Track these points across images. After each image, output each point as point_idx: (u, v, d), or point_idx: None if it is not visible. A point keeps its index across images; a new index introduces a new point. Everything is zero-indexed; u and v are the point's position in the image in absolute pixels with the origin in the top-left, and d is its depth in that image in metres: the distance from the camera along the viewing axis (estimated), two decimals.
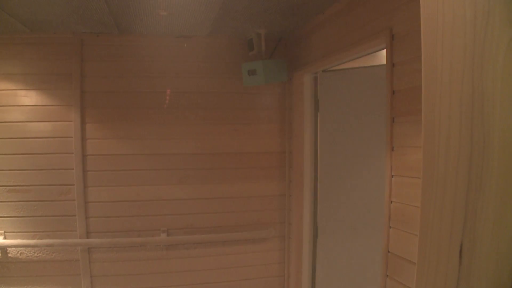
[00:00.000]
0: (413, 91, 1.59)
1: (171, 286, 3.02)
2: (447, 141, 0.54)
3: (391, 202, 1.74)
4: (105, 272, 2.93)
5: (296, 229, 3.00)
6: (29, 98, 2.79)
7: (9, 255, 2.82)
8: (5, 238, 2.79)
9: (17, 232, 2.81)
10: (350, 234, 2.31)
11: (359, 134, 2.20)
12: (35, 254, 2.85)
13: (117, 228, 2.91)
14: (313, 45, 2.66)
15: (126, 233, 2.92)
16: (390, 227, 1.75)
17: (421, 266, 0.59)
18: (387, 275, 1.77)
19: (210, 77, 2.92)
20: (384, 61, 1.80)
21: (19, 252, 2.83)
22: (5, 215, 2.81)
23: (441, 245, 0.56)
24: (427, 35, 0.62)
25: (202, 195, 3.00)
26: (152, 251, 2.97)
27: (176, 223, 2.97)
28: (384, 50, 1.80)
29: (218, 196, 3.02)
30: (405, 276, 1.64)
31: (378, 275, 1.87)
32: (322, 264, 2.75)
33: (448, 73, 0.55)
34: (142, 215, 2.94)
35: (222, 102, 2.98)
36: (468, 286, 0.54)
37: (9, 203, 2.80)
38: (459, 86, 0.53)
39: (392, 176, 1.73)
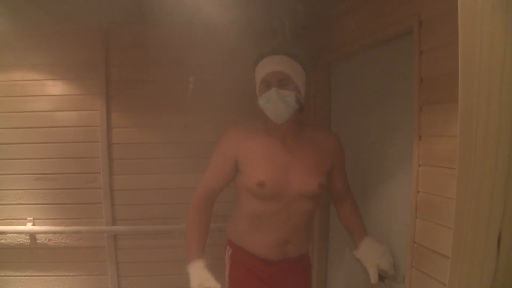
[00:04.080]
0: (442, 78, 1.55)
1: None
2: (486, 129, 0.52)
3: (418, 192, 1.70)
4: (130, 259, 2.98)
5: (319, 217, 2.99)
6: (55, 88, 2.84)
7: (38, 241, 2.89)
8: (33, 224, 2.85)
9: (45, 219, 2.88)
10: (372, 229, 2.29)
11: (383, 122, 2.16)
12: (63, 241, 2.91)
13: (142, 216, 2.94)
14: (338, 32, 2.62)
15: (151, 220, 2.96)
16: (416, 217, 1.72)
17: (455, 258, 0.58)
18: (413, 266, 1.74)
19: (234, 66, 2.90)
20: None
21: (47, 238, 2.89)
22: (33, 203, 2.87)
23: (478, 236, 0.55)
24: (465, 16, 0.59)
25: None
26: (176, 239, 3.00)
27: None
28: None
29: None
30: (432, 267, 1.61)
31: (404, 262, 1.85)
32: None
33: (488, 57, 0.52)
34: (167, 203, 2.97)
35: (246, 91, 2.95)
36: (506, 277, 0.52)
37: (37, 190, 2.86)
38: (499, 70, 0.51)
39: (419, 165, 1.70)
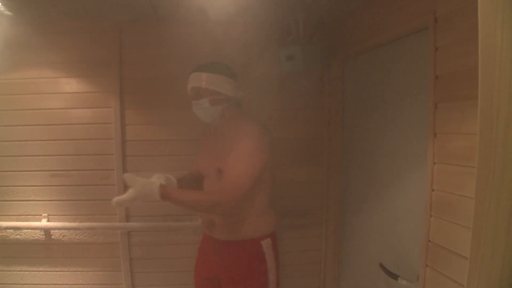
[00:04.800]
0: (458, 75, 1.54)
1: None
2: (506, 126, 0.51)
3: (433, 190, 1.69)
4: (143, 255, 3.00)
5: (333, 216, 2.98)
6: (70, 85, 2.86)
7: (52, 237, 2.92)
8: (48, 220, 2.88)
9: (60, 215, 2.90)
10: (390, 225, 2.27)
11: (397, 120, 2.15)
12: (77, 237, 2.94)
13: (156, 213, 2.96)
14: (352, 29, 2.61)
15: (164, 217, 2.97)
16: (431, 216, 1.70)
17: (474, 258, 0.57)
18: (427, 265, 1.73)
19: (247, 62, 2.90)
20: None
21: (62, 234, 2.92)
22: (48, 199, 2.90)
23: (497, 236, 0.54)
24: (485, 10, 0.58)
25: None
26: (189, 236, 3.01)
27: None
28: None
29: None
30: (446, 266, 1.60)
31: (417, 261, 1.83)
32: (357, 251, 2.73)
33: (509, 52, 0.51)
34: None
35: (260, 88, 2.95)
36: None
37: (52, 187, 2.88)
38: None
39: (434, 163, 1.68)
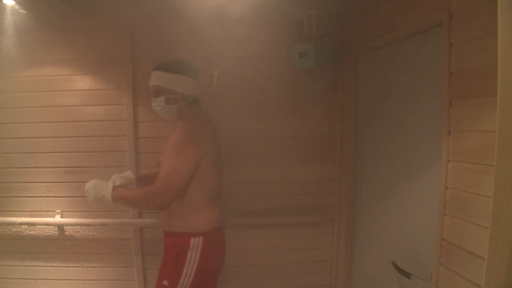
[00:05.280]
0: (473, 72, 1.52)
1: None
2: None
3: (447, 188, 1.68)
4: (155, 251, 3.01)
5: (346, 213, 2.97)
6: (83, 82, 2.87)
7: (66, 233, 2.95)
8: (62, 217, 2.91)
9: (73, 211, 2.93)
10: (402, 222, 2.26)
11: (410, 117, 2.13)
12: (90, 233, 2.96)
13: None
14: (365, 26, 2.59)
15: None
16: (445, 214, 1.69)
17: (492, 258, 0.56)
18: (440, 263, 1.72)
19: (259, 59, 2.89)
20: None
21: (75, 230, 2.94)
22: (62, 195, 2.92)
23: None
24: (504, 4, 0.57)
25: (252, 178, 3.01)
26: None
27: (228, 206, 2.99)
28: None
29: (268, 179, 3.02)
30: (460, 265, 1.58)
31: (430, 260, 1.82)
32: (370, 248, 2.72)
33: None
34: None
35: (272, 85, 2.95)
36: None
37: (66, 183, 2.91)
38: None
39: (448, 161, 1.66)
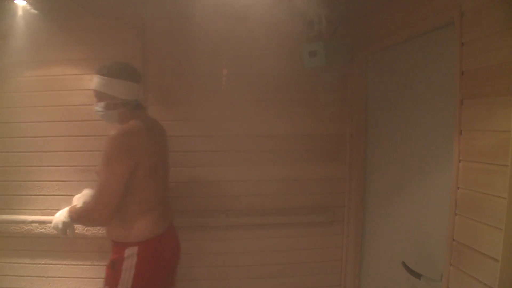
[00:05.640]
0: (485, 71, 1.50)
1: (230, 266, 3.07)
2: None
3: (458, 188, 1.66)
4: None
5: (355, 213, 2.96)
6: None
7: (77, 231, 2.95)
8: None
9: None
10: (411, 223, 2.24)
11: (421, 117, 2.11)
12: (100, 231, 2.97)
13: (178, 208, 2.97)
14: (376, 24, 2.57)
15: (186, 213, 2.99)
16: (456, 214, 1.67)
17: (506, 260, 0.55)
18: (451, 264, 1.70)
19: (269, 58, 2.89)
20: None
21: (85, 228, 2.96)
22: (72, 194, 2.91)
23: None
24: None
25: (261, 177, 3.01)
26: (212, 232, 3.03)
27: (236, 205, 3.00)
28: None
29: (277, 179, 3.02)
30: (471, 266, 1.57)
31: (441, 260, 1.81)
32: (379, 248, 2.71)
33: None
34: (202, 195, 3.00)
35: (282, 84, 2.94)
36: None
37: (76, 182, 2.92)
38: None
39: (459, 161, 1.65)
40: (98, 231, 2.96)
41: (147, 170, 2.10)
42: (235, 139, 2.97)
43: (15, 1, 2.47)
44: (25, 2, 2.51)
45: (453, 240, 1.68)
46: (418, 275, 1.94)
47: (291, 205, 3.04)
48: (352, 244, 3.01)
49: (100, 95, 2.20)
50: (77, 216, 2.20)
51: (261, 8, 2.54)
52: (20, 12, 2.65)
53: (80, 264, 3.00)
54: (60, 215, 2.29)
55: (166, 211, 2.38)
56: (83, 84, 2.88)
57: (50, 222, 2.87)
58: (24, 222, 2.90)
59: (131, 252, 2.14)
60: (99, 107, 2.21)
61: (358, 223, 2.95)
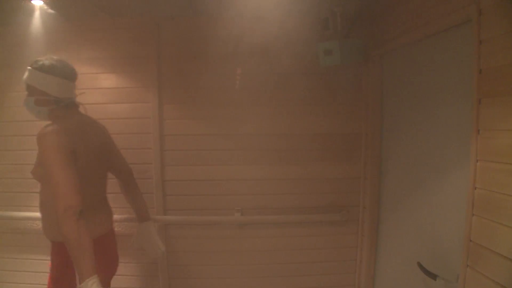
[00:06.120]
0: (503, 69, 1.48)
1: (243, 265, 3.07)
2: None
3: (475, 188, 1.64)
4: (180, 248, 3.04)
5: (370, 213, 2.94)
6: (109, 80, 2.92)
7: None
8: None
9: None
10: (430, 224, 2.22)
11: (437, 116, 2.09)
12: (115, 229, 2.99)
13: (193, 206, 2.99)
14: (391, 23, 2.55)
15: (201, 211, 3.01)
16: (473, 215, 1.65)
17: None
18: (467, 265, 1.68)
19: (284, 57, 2.88)
20: None
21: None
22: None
23: None
24: None
25: (276, 176, 3.01)
26: (225, 230, 3.04)
27: (250, 203, 3.01)
28: None
29: (291, 177, 3.01)
30: (489, 268, 1.54)
31: (457, 261, 1.79)
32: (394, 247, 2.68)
33: None
34: (217, 194, 3.01)
35: (296, 83, 2.94)
36: None
37: None
38: None
39: (477, 161, 1.63)
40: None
41: (79, 170, 1.96)
42: (249, 137, 2.97)
43: (32, 1, 2.50)
44: (42, 2, 2.54)
45: (470, 241, 1.66)
46: (433, 276, 1.92)
47: (306, 204, 3.04)
48: (367, 244, 2.99)
49: (31, 90, 2.08)
50: (66, 240, 1.80)
51: (275, 7, 2.54)
52: (37, 12, 2.69)
53: None
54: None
55: (106, 211, 2.32)
56: (99, 83, 2.91)
57: None
58: (39, 219, 2.93)
59: (59, 251, 2.07)
60: (28, 102, 2.08)
61: (373, 222, 2.93)
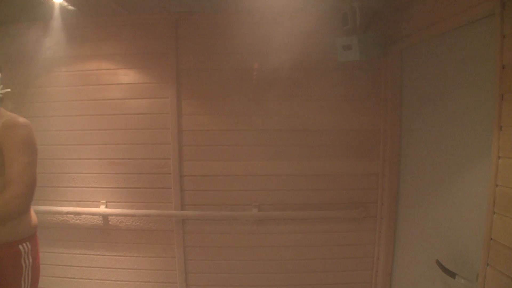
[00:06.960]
0: None
1: (260, 260, 3.07)
2: None
3: (497, 185, 1.61)
4: (197, 243, 3.05)
5: (388, 209, 2.91)
6: (128, 76, 2.94)
7: (110, 223, 3.03)
8: (106, 207, 2.99)
9: (117, 202, 3.01)
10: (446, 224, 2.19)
11: (458, 111, 2.05)
12: (133, 223, 3.03)
13: (210, 202, 3.00)
14: (411, 17, 2.51)
15: (218, 206, 3.01)
16: (494, 213, 1.62)
17: None
18: (488, 264, 1.65)
19: (302, 53, 2.86)
20: None
21: (119, 220, 3.02)
22: (106, 186, 3.00)
23: None
24: None
25: (294, 171, 2.99)
26: (243, 225, 3.04)
27: (268, 199, 3.00)
28: None
29: (309, 173, 2.99)
30: (510, 266, 1.52)
31: (477, 260, 1.76)
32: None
33: None
34: (234, 189, 3.01)
35: (315, 79, 2.92)
36: None
37: (110, 174, 2.99)
38: None
39: (499, 157, 1.59)
40: (131, 223, 3.01)
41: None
42: (267, 133, 2.96)
43: None
44: None
45: (491, 239, 1.63)
46: (452, 274, 1.89)
47: (323, 200, 3.02)
48: (385, 241, 2.96)
49: None
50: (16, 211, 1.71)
51: (294, 2, 2.52)
52: (57, 9, 2.72)
53: (114, 255, 3.06)
54: None
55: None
56: (118, 79, 2.93)
57: (85, 214, 2.97)
58: (60, 213, 2.99)
59: (26, 249, 1.90)
60: None
61: (391, 219, 2.90)
